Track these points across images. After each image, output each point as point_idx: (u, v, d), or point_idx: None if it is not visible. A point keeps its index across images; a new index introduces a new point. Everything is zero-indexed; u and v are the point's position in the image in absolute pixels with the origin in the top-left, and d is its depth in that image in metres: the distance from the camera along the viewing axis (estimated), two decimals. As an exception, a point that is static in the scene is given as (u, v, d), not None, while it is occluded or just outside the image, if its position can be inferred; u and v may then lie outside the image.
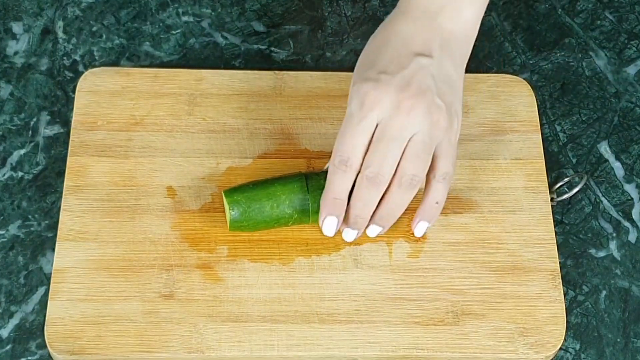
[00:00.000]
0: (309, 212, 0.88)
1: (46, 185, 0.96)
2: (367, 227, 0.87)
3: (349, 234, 0.87)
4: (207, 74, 1.00)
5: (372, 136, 0.83)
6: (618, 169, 1.00)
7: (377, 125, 0.83)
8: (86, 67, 1.02)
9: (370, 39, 0.88)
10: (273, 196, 0.87)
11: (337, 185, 0.85)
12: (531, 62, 1.06)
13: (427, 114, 0.83)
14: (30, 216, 0.94)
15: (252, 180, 0.90)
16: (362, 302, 0.88)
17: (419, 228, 0.89)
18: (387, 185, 0.84)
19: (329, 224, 0.86)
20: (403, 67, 0.84)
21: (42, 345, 0.88)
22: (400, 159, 0.83)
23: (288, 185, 0.88)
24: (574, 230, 0.96)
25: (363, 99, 0.83)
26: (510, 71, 1.05)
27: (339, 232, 0.87)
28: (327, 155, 0.95)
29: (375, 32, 0.89)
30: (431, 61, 0.85)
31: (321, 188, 0.87)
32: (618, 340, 0.91)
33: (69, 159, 0.94)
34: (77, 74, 1.01)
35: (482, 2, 0.88)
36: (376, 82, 0.83)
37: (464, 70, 0.87)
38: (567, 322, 0.90)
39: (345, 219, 0.87)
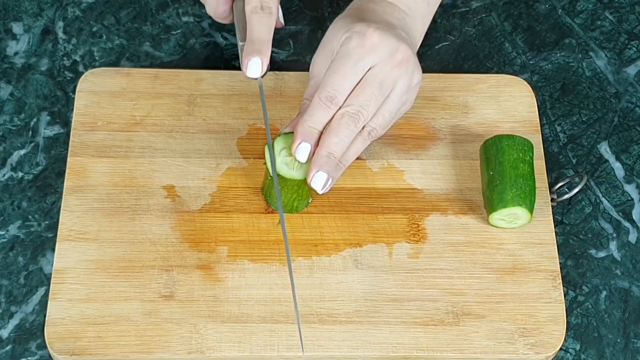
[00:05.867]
0: None
1: (46, 185, 0.96)
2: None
3: (319, 179, 0.86)
4: (207, 74, 1.00)
5: (362, 77, 0.86)
6: (618, 169, 1.00)
7: (369, 69, 0.85)
8: (86, 68, 1.02)
9: (345, 11, 0.92)
10: None
11: (317, 117, 0.86)
12: (531, 62, 1.06)
13: (410, 76, 0.87)
14: (30, 216, 0.94)
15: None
16: (362, 303, 0.88)
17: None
18: (362, 127, 0.86)
19: (302, 149, 0.86)
20: (391, 29, 0.87)
21: (42, 346, 0.88)
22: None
23: None
24: (574, 230, 0.96)
25: (363, 39, 0.85)
26: (511, 71, 1.05)
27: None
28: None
29: (348, 7, 0.93)
30: (406, 37, 0.89)
31: None
32: (618, 340, 0.91)
33: (69, 159, 0.94)
34: (77, 75, 1.01)
35: None
36: (377, 28, 0.86)
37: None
38: (567, 322, 0.90)
39: (316, 161, 0.86)
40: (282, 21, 0.93)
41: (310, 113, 0.86)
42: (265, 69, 0.88)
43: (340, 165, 0.86)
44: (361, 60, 0.85)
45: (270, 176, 0.89)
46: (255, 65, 0.87)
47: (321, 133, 0.86)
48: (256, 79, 0.88)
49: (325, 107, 0.85)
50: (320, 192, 0.86)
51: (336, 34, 0.88)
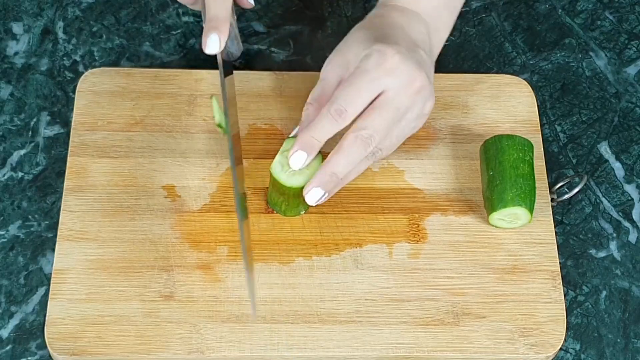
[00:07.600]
0: None
1: (46, 185, 0.96)
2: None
3: (315, 194, 0.85)
4: (207, 74, 1.00)
5: (375, 98, 0.84)
6: (618, 169, 1.00)
7: (383, 91, 0.84)
8: (86, 68, 1.02)
9: (367, 19, 0.91)
10: None
11: (322, 128, 0.84)
12: (531, 62, 1.06)
13: (423, 104, 0.87)
14: (30, 216, 0.94)
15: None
16: (362, 303, 0.88)
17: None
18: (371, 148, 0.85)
19: (298, 158, 0.85)
20: (413, 51, 0.86)
21: (42, 346, 0.88)
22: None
23: None
24: (574, 230, 0.96)
25: (384, 60, 0.84)
26: (511, 71, 1.05)
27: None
28: (327, 156, 0.95)
29: (366, 18, 0.91)
30: (427, 58, 0.88)
31: None
32: (618, 340, 0.91)
33: (69, 159, 0.94)
34: (77, 75, 1.01)
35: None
36: (398, 51, 0.84)
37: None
38: (567, 322, 0.90)
39: (318, 177, 0.85)
40: (252, 0, 0.91)
41: (316, 123, 0.84)
42: (223, 45, 0.86)
43: (339, 184, 0.87)
44: (378, 80, 0.84)
45: (273, 181, 0.88)
46: (212, 42, 0.86)
47: (322, 146, 0.86)
48: (215, 55, 0.87)
49: (333, 120, 0.83)
50: (312, 205, 0.86)
51: (356, 47, 0.87)
